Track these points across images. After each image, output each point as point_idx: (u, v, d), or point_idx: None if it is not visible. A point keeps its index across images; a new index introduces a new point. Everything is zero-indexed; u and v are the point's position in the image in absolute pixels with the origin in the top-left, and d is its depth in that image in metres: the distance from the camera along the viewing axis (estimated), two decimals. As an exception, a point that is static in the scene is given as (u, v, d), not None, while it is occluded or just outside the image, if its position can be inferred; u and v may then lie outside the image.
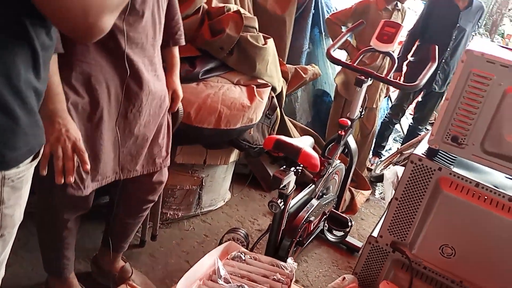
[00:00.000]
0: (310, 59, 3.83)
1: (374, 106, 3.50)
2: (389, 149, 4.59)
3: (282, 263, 1.68)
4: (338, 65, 3.31)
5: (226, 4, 2.41)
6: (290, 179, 1.83)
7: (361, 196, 3.34)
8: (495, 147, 1.33)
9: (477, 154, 1.36)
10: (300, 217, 2.13)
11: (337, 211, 2.50)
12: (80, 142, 1.28)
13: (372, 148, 4.08)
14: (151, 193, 1.78)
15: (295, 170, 1.78)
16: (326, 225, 2.50)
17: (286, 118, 3.05)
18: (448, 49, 3.83)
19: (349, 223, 2.36)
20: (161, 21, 1.52)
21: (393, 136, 4.91)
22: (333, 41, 3.72)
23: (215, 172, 2.63)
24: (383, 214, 1.77)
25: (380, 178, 3.78)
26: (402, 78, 3.96)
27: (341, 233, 2.56)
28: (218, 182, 2.72)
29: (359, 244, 2.80)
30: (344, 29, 3.66)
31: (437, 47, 2.42)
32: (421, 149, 1.49)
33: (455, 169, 1.42)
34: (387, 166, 4.00)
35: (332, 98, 3.98)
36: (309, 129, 3.57)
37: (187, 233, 2.56)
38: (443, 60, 3.87)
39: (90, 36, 0.80)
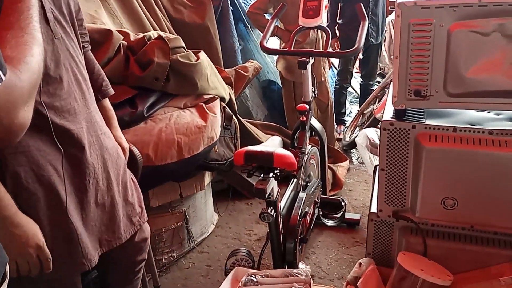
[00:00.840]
0: (245, 55, 3.77)
1: (322, 79, 3.48)
2: (350, 113, 4.61)
3: (295, 270, 1.62)
4: (275, 54, 3.29)
5: (144, 34, 2.31)
6: (273, 185, 1.77)
7: (341, 169, 3.32)
8: (458, 87, 1.31)
9: (443, 100, 1.33)
10: (294, 216, 2.07)
11: (326, 196, 2.45)
12: (44, 247, 1.19)
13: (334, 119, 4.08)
14: (138, 253, 1.67)
15: (274, 175, 1.71)
16: (321, 211, 2.46)
17: (244, 121, 2.99)
18: (371, 0, 3.86)
19: (342, 203, 2.33)
20: (85, 77, 1.41)
21: (348, 98, 4.93)
22: (261, 31, 3.69)
23: (194, 200, 2.53)
24: (373, 186, 1.74)
25: (352, 145, 3.78)
26: (338, 43, 3.96)
27: (338, 215, 2.52)
28: (201, 208, 2.62)
29: (357, 216, 2.77)
30: (268, 16, 3.62)
31: (362, 4, 2.40)
32: (388, 113, 1.45)
33: (428, 122, 1.39)
34: (354, 130, 4.01)
35: (279, 85, 3.95)
36: (270, 123, 3.52)
37: (189, 271, 2.46)
38: (370, 12, 3.89)
39: (12, 137, 0.70)
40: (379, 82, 4.79)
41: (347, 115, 4.49)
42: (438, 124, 1.37)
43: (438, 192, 1.39)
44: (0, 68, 0.65)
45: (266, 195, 1.71)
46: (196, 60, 2.31)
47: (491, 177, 1.32)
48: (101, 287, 1.83)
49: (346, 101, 4.43)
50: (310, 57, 2.28)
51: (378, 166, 1.47)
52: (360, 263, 1.54)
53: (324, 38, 3.55)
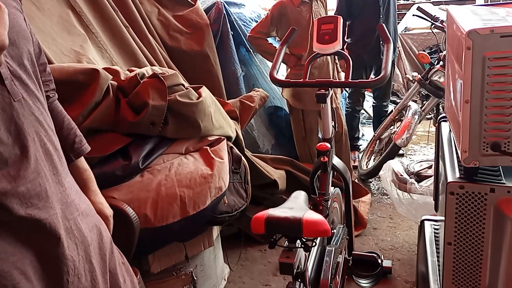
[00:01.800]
0: (248, 81, 3.47)
1: (335, 106, 3.17)
2: (362, 136, 4.28)
3: None
4: (288, 87, 2.99)
5: (136, 70, 1.99)
6: (300, 256, 1.43)
7: (363, 204, 2.98)
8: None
9: (533, 155, 1.02)
10: (323, 281, 1.73)
11: (357, 252, 2.11)
12: None
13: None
14: None
15: (303, 246, 1.38)
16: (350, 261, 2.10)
17: (253, 159, 2.66)
18: (381, 16, 3.57)
19: (379, 260, 1.98)
20: (56, 146, 1.08)
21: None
22: (264, 57, 3.40)
23: (202, 258, 2.19)
24: (424, 256, 1.40)
25: (370, 174, 3.45)
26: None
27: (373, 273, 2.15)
28: (210, 266, 2.28)
29: (388, 263, 2.43)
30: (271, 40, 3.34)
31: (384, 25, 2.10)
32: (453, 172, 1.13)
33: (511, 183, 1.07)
34: (370, 157, 3.69)
35: (286, 110, 3.64)
36: (280, 156, 3.19)
37: None
38: (381, 29, 3.60)
39: None
40: (392, 101, 4.48)
41: (360, 139, 4.17)
42: (526, 186, 1.05)
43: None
44: None
45: (295, 271, 1.38)
46: (198, 98, 2.00)
47: None
48: None
49: (359, 125, 4.12)
50: (329, 89, 1.96)
51: (444, 239, 1.14)
52: None
53: (332, 61, 3.27)
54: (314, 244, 1.39)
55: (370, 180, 3.56)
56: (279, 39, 3.43)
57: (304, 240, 1.39)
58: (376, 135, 3.63)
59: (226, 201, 2.04)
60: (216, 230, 2.25)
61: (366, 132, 4.40)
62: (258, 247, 2.80)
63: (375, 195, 3.36)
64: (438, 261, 1.37)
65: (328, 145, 2.01)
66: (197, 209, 1.86)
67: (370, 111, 4.54)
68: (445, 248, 1.14)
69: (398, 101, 4.83)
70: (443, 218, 1.49)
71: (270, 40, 3.32)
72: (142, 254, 1.87)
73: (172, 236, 1.88)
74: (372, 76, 3.88)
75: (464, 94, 1.01)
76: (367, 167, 3.56)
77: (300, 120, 3.37)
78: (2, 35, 0.81)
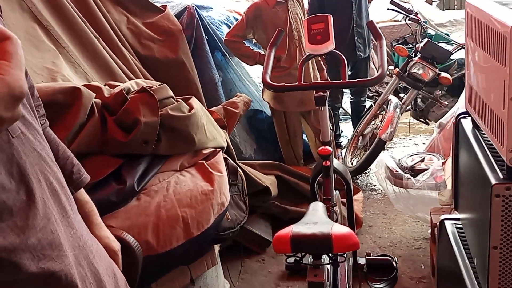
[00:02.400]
0: (226, 87, 3.37)
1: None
2: (341, 132, 4.25)
3: None
4: (283, 91, 2.91)
5: (120, 85, 1.85)
6: (327, 269, 1.35)
7: (356, 203, 2.92)
8: None
9: None
10: (342, 291, 1.65)
11: (372, 257, 2.04)
12: None
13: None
14: None
15: (331, 261, 1.29)
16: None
17: (246, 168, 2.56)
18: (354, 11, 3.55)
19: (394, 263, 1.93)
20: (61, 182, 0.94)
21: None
22: (242, 60, 3.31)
23: (205, 278, 2.06)
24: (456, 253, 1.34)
25: (358, 171, 3.41)
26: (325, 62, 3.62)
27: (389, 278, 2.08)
28: (213, 284, 2.15)
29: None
30: (247, 43, 3.25)
31: (373, 20, 2.05)
32: (494, 173, 1.07)
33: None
34: (354, 153, 3.65)
35: (267, 113, 3.57)
36: (268, 161, 3.10)
37: None
38: (354, 25, 3.58)
39: None
40: (369, 97, 4.48)
41: (342, 136, 4.14)
42: None
43: None
44: None
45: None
46: (190, 111, 1.87)
47: None
48: None
49: (339, 121, 4.08)
50: (327, 91, 1.88)
51: (489, 243, 1.07)
52: None
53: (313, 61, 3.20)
54: (344, 259, 1.30)
55: (357, 176, 3.52)
56: (256, 41, 3.34)
57: (332, 255, 1.30)
58: (358, 131, 3.60)
59: (229, 217, 1.93)
60: (217, 247, 2.13)
61: (345, 129, 4.37)
62: (256, 258, 2.70)
63: (364, 191, 3.32)
64: (471, 263, 1.31)
65: (330, 148, 1.93)
66: (201, 229, 1.74)
67: (347, 107, 4.52)
68: (491, 252, 1.08)
69: (371, 95, 4.86)
70: (465, 216, 1.44)
71: (247, 43, 3.24)
72: (146, 283, 1.73)
73: (177, 261, 1.76)
74: (348, 72, 3.84)
75: (510, 91, 0.94)
76: (352, 164, 3.52)
77: (283, 123, 3.30)
78: (19, 79, 0.65)
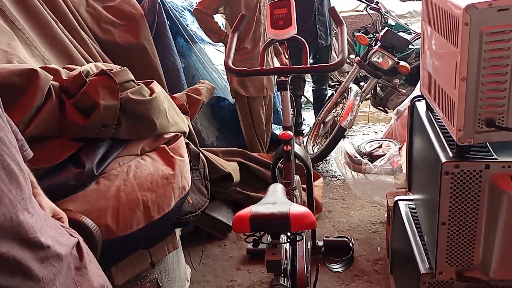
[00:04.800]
0: (188, 73, 3.35)
1: (271, 93, 3.29)
2: (303, 121, 4.31)
3: None
4: (246, 76, 2.92)
5: (79, 68, 1.81)
6: (286, 249, 1.38)
7: (316, 189, 2.99)
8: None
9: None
10: (300, 272, 1.70)
11: (330, 238, 2.10)
12: None
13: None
14: None
15: (290, 240, 1.33)
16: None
17: (208, 155, 2.56)
18: (316, 0, 3.58)
19: (350, 244, 1.99)
20: (19, 163, 0.92)
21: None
22: (206, 34, 3.29)
23: (166, 263, 2.07)
24: (410, 238, 1.41)
25: (319, 158, 3.48)
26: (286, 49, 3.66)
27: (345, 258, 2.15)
28: (174, 269, 2.16)
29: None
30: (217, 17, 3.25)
31: (335, 7, 2.09)
32: (445, 152, 1.13)
33: (503, 158, 1.08)
34: (315, 141, 3.72)
35: (229, 100, 3.57)
36: (231, 148, 3.12)
37: None
38: (316, 13, 3.62)
39: None
40: (330, 86, 4.56)
41: (304, 124, 4.20)
42: (520, 160, 1.07)
43: (523, 245, 1.09)
44: None
45: (283, 267, 1.32)
46: (151, 95, 1.86)
47: None
48: None
49: (301, 110, 4.14)
50: (289, 76, 1.91)
51: (438, 219, 1.13)
52: None
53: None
54: (301, 238, 1.34)
55: (318, 163, 3.59)
56: (224, 17, 3.33)
57: (290, 234, 1.34)
58: (320, 119, 3.67)
59: (191, 201, 1.94)
60: (178, 231, 2.14)
61: (307, 117, 4.44)
62: (218, 243, 2.72)
63: (325, 178, 3.40)
64: (422, 240, 1.38)
65: (291, 133, 1.97)
66: (162, 213, 1.74)
67: (309, 96, 4.58)
68: (439, 228, 1.14)
69: (332, 84, 4.94)
70: (418, 196, 1.51)
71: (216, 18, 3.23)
72: (105, 267, 1.72)
73: (137, 244, 1.75)
74: (310, 60, 3.89)
75: (460, 72, 1.00)
76: (313, 151, 3.58)
77: (246, 107, 3.33)
78: None
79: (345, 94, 3.45)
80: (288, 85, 1.90)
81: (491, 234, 1.11)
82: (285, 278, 1.43)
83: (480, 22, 0.95)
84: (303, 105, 4.82)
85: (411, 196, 1.59)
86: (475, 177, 1.07)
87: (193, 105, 2.72)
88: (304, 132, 4.08)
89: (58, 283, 0.94)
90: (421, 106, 1.40)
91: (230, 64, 1.95)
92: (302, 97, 4.74)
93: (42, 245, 0.90)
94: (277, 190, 1.49)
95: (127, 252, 1.75)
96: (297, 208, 1.30)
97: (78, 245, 1.08)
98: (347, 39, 2.03)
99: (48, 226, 0.98)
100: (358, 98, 3.30)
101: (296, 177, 2.22)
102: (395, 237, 1.71)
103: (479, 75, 0.99)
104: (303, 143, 3.88)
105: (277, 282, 1.40)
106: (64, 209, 1.54)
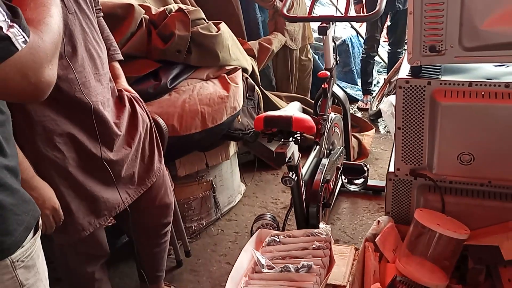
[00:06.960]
0: (266, 28, 3.76)
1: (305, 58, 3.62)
2: (377, 83, 4.54)
3: (315, 230, 1.67)
4: (297, 21, 3.28)
5: (166, 7, 2.35)
6: (293, 149, 1.81)
7: (366, 137, 3.31)
8: (473, 41, 1.29)
9: (459, 55, 1.32)
10: (316, 181, 2.11)
11: (349, 161, 2.47)
12: (59, 209, 1.29)
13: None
14: (162, 217, 1.76)
15: (294, 139, 1.75)
16: (345, 178, 2.48)
17: (267, 93, 3.01)
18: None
19: (365, 168, 2.34)
20: (100, 55, 1.46)
21: (376, 68, 4.84)
22: (258, 1, 3.63)
23: (221, 170, 2.60)
24: (392, 148, 1.75)
25: (378, 114, 3.75)
26: (365, 8, 3.90)
27: (361, 180, 2.54)
28: (228, 178, 2.69)
29: (382, 183, 2.78)
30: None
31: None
32: (404, 71, 1.45)
33: (444, 78, 1.39)
34: (381, 100, 3.96)
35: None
36: (294, 94, 3.53)
37: (218, 237, 2.55)
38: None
39: (40, 94, 0.76)
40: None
41: (375, 85, 4.43)
42: (454, 79, 1.37)
43: (454, 148, 1.39)
44: (24, 31, 0.70)
45: (287, 159, 1.75)
46: (217, 32, 2.34)
47: (508, 130, 1.31)
48: (131, 251, 1.95)
49: (374, 70, 4.36)
50: (330, 23, 2.27)
51: (395, 124, 1.48)
52: (379, 221, 1.57)
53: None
54: (299, 138, 1.75)
55: (379, 120, 3.86)
56: None
57: (296, 135, 1.76)
58: (386, 78, 3.89)
59: (240, 120, 2.42)
60: (232, 148, 2.65)
61: (381, 80, 4.65)
62: (272, 172, 3.20)
63: (381, 133, 3.67)
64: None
65: (328, 73, 2.34)
66: (215, 123, 2.24)
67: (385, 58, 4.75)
68: (396, 132, 1.48)
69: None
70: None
71: None
72: (171, 159, 2.28)
73: (194, 145, 2.28)
74: (388, 23, 4.09)
75: (409, 7, 1.32)
76: (376, 108, 3.85)
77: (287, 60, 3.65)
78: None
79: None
80: (328, 31, 2.25)
81: (432, 139, 1.41)
82: (294, 173, 1.86)
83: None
84: (381, 69, 5.02)
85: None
86: (420, 91, 1.38)
87: (263, 52, 3.17)
88: (373, 92, 4.31)
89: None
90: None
91: (285, 11, 2.36)
92: (381, 61, 4.95)
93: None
94: (293, 105, 1.91)
95: (186, 149, 2.29)
96: (300, 115, 1.72)
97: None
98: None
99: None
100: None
101: (337, 116, 2.59)
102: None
103: (422, 10, 1.29)
104: (370, 101, 4.14)
105: (287, 174, 1.85)
106: (144, 109, 2.13)
